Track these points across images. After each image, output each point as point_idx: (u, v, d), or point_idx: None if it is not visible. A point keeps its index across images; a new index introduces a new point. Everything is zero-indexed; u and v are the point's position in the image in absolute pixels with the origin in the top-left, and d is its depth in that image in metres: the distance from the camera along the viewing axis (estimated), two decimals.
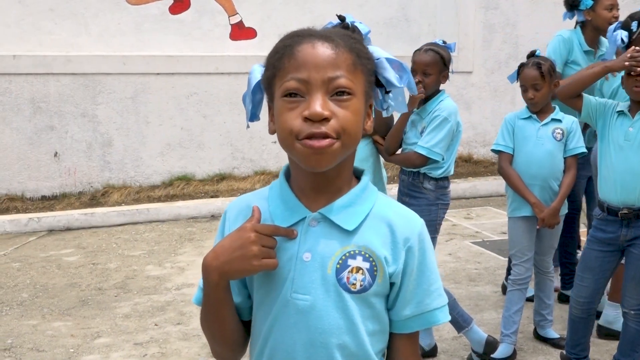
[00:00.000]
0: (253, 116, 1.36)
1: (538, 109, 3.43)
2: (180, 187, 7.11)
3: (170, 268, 5.03)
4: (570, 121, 3.44)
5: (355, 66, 1.22)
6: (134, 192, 6.98)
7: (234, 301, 1.32)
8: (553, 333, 3.63)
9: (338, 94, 1.19)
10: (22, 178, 6.88)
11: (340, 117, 1.18)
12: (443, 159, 3.29)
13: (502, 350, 3.43)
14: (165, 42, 7.15)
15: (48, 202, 6.83)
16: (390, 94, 1.33)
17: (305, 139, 1.18)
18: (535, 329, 3.70)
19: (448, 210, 3.51)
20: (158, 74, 7.12)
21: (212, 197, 6.92)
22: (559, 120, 3.44)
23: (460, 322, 3.34)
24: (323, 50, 1.20)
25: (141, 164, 7.22)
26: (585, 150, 3.49)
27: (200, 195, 7.00)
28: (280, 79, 1.21)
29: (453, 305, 3.28)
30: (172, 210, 6.48)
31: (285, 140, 1.21)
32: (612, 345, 3.44)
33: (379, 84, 1.32)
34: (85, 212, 6.32)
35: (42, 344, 3.75)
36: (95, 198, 6.89)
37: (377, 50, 1.31)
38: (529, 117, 3.45)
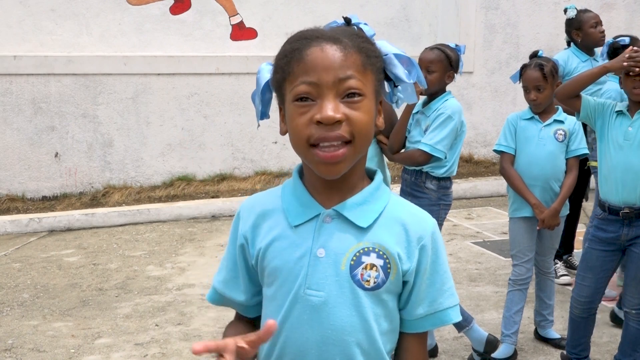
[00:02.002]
0: (263, 115, 1.37)
1: (540, 110, 3.43)
2: (181, 187, 7.11)
3: (170, 268, 5.03)
4: (572, 122, 3.43)
5: (364, 66, 1.22)
6: (135, 192, 6.98)
7: (240, 302, 1.35)
8: (554, 333, 3.63)
9: (349, 95, 1.19)
10: (22, 178, 6.88)
11: (353, 120, 1.19)
12: (446, 157, 3.29)
13: (503, 351, 3.43)
14: (166, 42, 7.15)
15: (49, 202, 6.84)
16: (399, 87, 1.33)
17: (317, 148, 1.18)
18: (536, 329, 3.70)
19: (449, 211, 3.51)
20: (159, 74, 7.12)
21: (212, 197, 6.92)
22: (561, 122, 3.43)
23: (460, 321, 3.33)
24: (332, 53, 1.19)
25: (142, 164, 7.22)
26: (587, 151, 3.49)
27: (201, 195, 7.00)
28: (290, 84, 1.21)
29: None
30: (172, 211, 6.48)
31: (298, 147, 1.22)
32: (613, 346, 3.45)
33: (387, 77, 1.32)
34: (86, 213, 6.32)
35: (42, 345, 3.75)
36: (96, 198, 6.89)
37: (385, 45, 1.31)
38: (531, 118, 3.45)
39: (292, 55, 1.21)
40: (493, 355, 3.40)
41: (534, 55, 3.51)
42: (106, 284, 4.70)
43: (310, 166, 1.25)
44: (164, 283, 4.71)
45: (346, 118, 1.18)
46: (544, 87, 3.37)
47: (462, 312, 3.35)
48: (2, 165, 6.81)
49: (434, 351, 3.47)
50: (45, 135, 6.90)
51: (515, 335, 3.48)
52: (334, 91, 1.18)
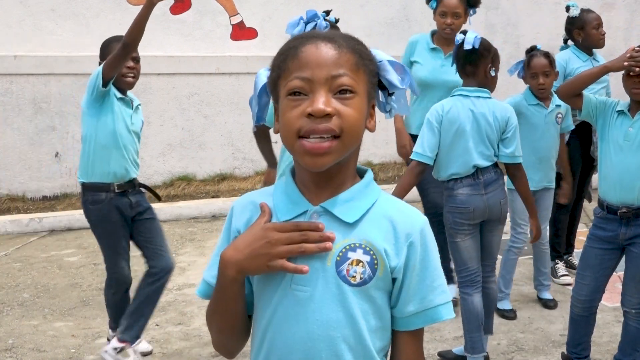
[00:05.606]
0: (259, 119, 1.39)
1: (546, 95, 3.71)
2: (181, 187, 7.12)
3: None
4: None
5: (357, 66, 1.24)
6: None
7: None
8: (548, 295, 4.07)
9: (341, 92, 1.22)
10: (23, 178, 6.88)
11: (344, 115, 1.21)
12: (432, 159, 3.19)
13: (503, 306, 3.88)
14: (166, 42, 7.15)
15: (49, 202, 6.84)
16: (392, 97, 1.36)
17: (305, 138, 1.20)
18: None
19: None
20: (159, 74, 7.12)
21: (213, 197, 6.93)
22: (559, 105, 3.77)
23: (471, 346, 3.25)
24: (326, 51, 1.23)
25: (142, 164, 7.13)
26: (573, 126, 4.01)
27: (201, 195, 7.00)
28: (284, 79, 1.24)
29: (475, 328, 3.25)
30: (173, 211, 6.48)
31: (287, 138, 1.24)
32: (613, 345, 3.45)
33: (381, 86, 1.34)
34: None
35: (43, 344, 3.75)
36: None
37: (379, 53, 1.33)
38: (537, 104, 3.72)
39: (288, 53, 1.25)
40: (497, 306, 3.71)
41: (532, 49, 3.78)
42: None
43: (297, 158, 1.27)
44: None
45: (336, 112, 1.20)
46: (550, 72, 3.71)
47: (478, 342, 3.24)
48: (3, 165, 6.81)
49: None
50: (46, 135, 6.90)
51: (509, 290, 3.97)
52: (326, 87, 1.21)
